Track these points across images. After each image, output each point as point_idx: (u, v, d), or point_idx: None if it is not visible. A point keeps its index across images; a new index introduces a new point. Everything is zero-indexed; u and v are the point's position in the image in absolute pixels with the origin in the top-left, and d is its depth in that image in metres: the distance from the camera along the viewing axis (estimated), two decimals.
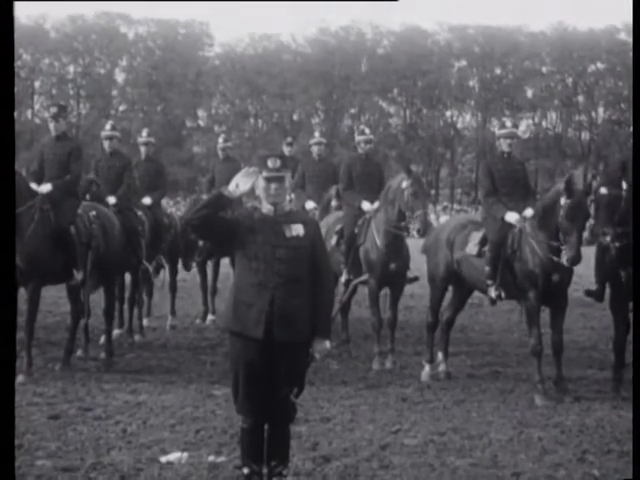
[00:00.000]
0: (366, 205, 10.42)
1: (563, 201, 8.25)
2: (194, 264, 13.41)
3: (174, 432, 7.11)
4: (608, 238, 8.17)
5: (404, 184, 9.74)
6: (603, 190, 8.30)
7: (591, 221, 8.54)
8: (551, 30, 64.99)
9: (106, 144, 11.35)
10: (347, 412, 7.85)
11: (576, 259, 8.16)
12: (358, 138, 11.15)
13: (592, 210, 8.42)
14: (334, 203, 11.72)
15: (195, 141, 64.14)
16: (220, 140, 14.07)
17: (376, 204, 10.27)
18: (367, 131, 11.24)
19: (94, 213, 9.80)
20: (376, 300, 10.31)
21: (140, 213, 11.32)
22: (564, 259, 8.24)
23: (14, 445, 5.43)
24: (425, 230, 9.68)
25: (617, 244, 8.19)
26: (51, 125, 9.75)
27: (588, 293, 9.18)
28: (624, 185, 8.26)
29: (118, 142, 11.49)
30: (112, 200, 10.69)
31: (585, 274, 10.90)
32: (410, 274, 10.52)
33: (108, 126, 11.62)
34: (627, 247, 8.15)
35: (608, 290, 8.91)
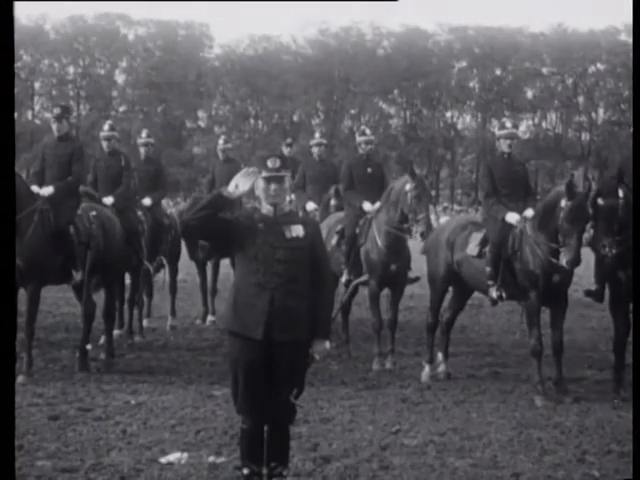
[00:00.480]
0: (367, 205, 10.42)
1: (564, 203, 8.24)
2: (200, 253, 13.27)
3: (174, 433, 7.11)
4: (607, 249, 8.18)
5: (407, 187, 9.74)
6: (600, 201, 8.30)
7: (590, 226, 8.53)
8: (551, 31, 65.03)
9: (105, 144, 11.36)
10: (347, 413, 7.85)
11: (575, 262, 8.16)
12: (359, 139, 11.14)
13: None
14: (333, 202, 11.72)
15: (195, 142, 64.14)
16: (221, 141, 14.06)
17: (377, 204, 10.27)
18: (368, 132, 11.23)
19: (94, 213, 9.78)
20: (377, 301, 10.31)
21: (140, 213, 11.32)
22: (563, 261, 8.24)
23: (14, 446, 5.44)
24: (428, 234, 9.70)
25: (615, 251, 8.20)
26: (54, 126, 9.71)
27: (588, 293, 9.18)
28: (620, 193, 8.27)
29: (117, 142, 11.49)
30: (109, 200, 10.67)
31: (585, 275, 10.92)
32: (411, 274, 10.52)
33: (106, 126, 11.63)
34: (626, 249, 8.16)
35: (608, 290, 8.91)
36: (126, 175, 11.05)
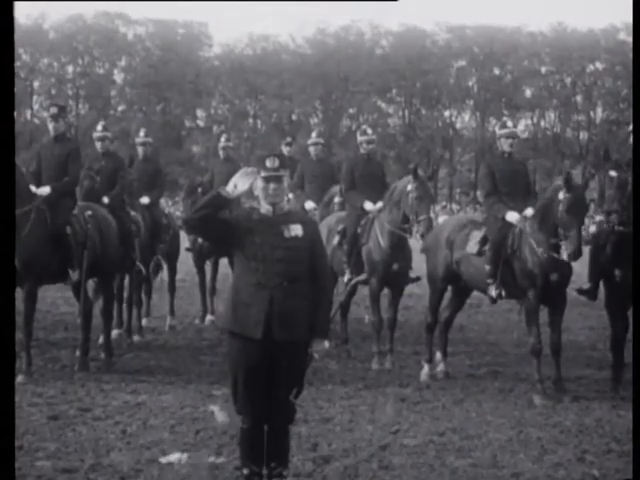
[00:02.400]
0: (368, 205, 10.41)
1: (562, 195, 8.26)
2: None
3: (174, 433, 7.11)
4: (614, 217, 8.14)
5: (409, 187, 9.73)
6: (612, 173, 8.30)
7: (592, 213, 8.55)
8: (550, 30, 64.99)
9: (98, 145, 11.31)
10: (346, 412, 7.85)
11: (577, 254, 8.17)
12: (360, 138, 11.10)
13: (597, 195, 8.44)
14: (337, 199, 11.68)
15: (194, 141, 64.11)
16: (222, 139, 14.05)
17: (379, 204, 10.27)
18: (369, 131, 11.19)
19: (90, 213, 9.76)
20: (377, 300, 10.31)
21: (134, 213, 11.27)
22: (564, 255, 8.25)
23: (14, 446, 5.43)
24: (427, 234, 9.72)
25: (621, 228, 8.18)
26: (50, 125, 9.70)
27: (580, 292, 9.16)
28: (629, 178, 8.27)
29: (110, 143, 11.45)
30: (105, 200, 10.65)
31: (583, 273, 10.90)
32: (412, 274, 10.52)
33: (100, 127, 11.59)
34: (622, 246, 8.17)
35: (603, 289, 8.91)
36: (121, 176, 11.01)
